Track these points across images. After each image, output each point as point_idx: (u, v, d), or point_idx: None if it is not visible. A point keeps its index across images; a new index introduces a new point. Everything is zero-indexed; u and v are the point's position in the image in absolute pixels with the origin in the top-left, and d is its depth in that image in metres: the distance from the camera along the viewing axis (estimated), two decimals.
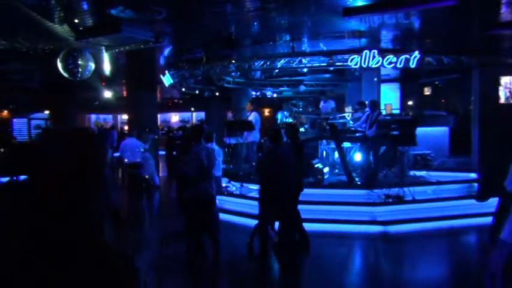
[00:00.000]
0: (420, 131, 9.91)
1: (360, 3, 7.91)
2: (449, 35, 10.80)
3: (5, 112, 24.30)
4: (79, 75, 10.61)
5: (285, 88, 18.62)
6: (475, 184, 9.70)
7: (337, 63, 10.70)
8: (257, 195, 8.67)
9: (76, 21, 9.34)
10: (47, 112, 25.94)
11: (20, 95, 21.98)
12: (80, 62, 10.45)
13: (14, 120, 24.93)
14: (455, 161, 11.70)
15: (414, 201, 8.40)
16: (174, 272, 6.10)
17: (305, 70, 15.05)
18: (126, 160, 10.67)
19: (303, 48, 11.97)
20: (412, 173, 10.54)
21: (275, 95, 19.87)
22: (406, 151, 10.33)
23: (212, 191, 5.88)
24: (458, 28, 10.03)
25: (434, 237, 7.54)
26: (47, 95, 21.08)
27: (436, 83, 15.97)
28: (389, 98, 15.78)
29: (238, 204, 9.06)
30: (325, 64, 10.87)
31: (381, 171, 10.08)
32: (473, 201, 8.83)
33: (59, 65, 10.47)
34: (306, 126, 12.04)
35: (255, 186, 9.72)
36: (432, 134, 11.74)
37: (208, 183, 5.77)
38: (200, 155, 5.62)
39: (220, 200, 8.02)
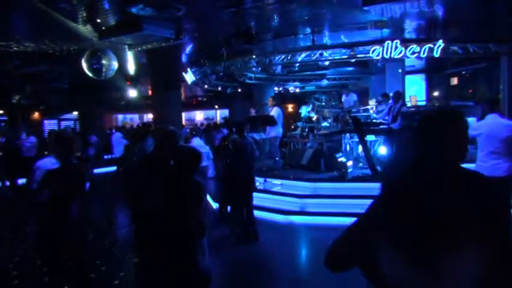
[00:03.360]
0: None
1: None
2: (475, 22, 10.45)
3: (36, 113, 25.04)
4: (103, 74, 10.80)
5: (307, 82, 18.52)
6: None
7: (359, 55, 10.53)
8: (281, 190, 8.95)
9: (98, 21, 9.53)
10: (76, 113, 26.65)
11: (50, 96, 22.62)
12: (103, 62, 10.63)
13: (45, 121, 25.63)
14: None
15: None
16: None
17: (326, 63, 14.89)
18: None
19: (324, 41, 11.84)
20: None
21: (297, 90, 19.76)
22: None
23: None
24: (485, 14, 9.70)
25: None
26: (76, 95, 21.66)
27: (463, 72, 15.53)
28: (415, 89, 15.47)
29: (262, 199, 9.05)
30: (346, 56, 10.71)
31: None
32: None
33: (84, 65, 10.69)
34: (329, 120, 11.90)
35: (279, 181, 9.75)
36: None
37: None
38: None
39: None
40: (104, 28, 10.04)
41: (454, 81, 16.07)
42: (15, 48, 11.54)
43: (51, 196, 3.93)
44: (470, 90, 15.51)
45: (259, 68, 14.97)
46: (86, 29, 10.03)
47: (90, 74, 10.91)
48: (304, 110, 13.12)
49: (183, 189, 3.36)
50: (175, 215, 3.22)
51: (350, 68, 16.75)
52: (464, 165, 1.70)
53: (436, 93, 16.45)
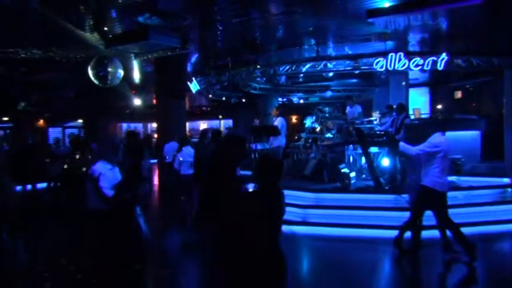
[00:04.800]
0: (450, 135, 9.59)
1: (383, 5, 7.82)
2: (479, 35, 10.49)
3: (41, 121, 25.18)
4: (109, 82, 10.90)
5: (311, 94, 18.60)
6: (509, 189, 9.35)
7: (363, 67, 10.56)
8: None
9: (105, 29, 9.64)
10: (80, 121, 26.78)
11: (55, 103, 22.76)
12: (109, 69, 10.73)
13: (50, 129, 25.76)
14: (487, 165, 11.29)
15: None
16: None
17: (330, 74, 14.95)
18: (167, 159, 11.36)
19: (328, 52, 11.92)
20: None
21: (302, 101, 19.84)
22: None
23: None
24: (488, 28, 9.75)
25: None
26: (81, 103, 21.78)
27: (467, 86, 15.55)
28: (419, 102, 15.49)
29: None
30: (350, 68, 10.75)
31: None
32: (507, 206, 8.55)
33: (90, 72, 10.80)
34: (333, 131, 11.92)
35: None
36: (463, 138, 11.39)
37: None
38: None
39: None
40: (110, 36, 10.15)
41: (458, 94, 16.07)
42: (22, 55, 11.67)
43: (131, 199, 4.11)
44: (474, 104, 15.51)
45: (264, 78, 15.04)
46: (93, 37, 10.15)
47: (95, 81, 11.02)
48: (308, 121, 13.15)
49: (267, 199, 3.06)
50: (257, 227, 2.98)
51: (354, 80, 16.82)
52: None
53: (439, 106, 16.46)
